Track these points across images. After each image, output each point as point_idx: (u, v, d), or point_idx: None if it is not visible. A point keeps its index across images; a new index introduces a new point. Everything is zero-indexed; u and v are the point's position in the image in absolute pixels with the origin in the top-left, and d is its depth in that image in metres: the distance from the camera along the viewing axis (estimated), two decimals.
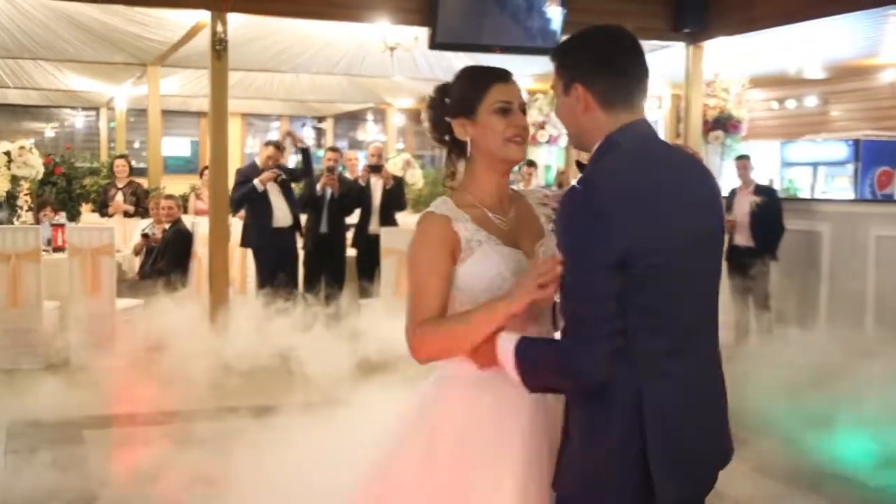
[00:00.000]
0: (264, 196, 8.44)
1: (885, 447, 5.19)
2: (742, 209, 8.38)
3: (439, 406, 2.27)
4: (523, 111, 2.30)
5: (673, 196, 2.01)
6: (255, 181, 8.31)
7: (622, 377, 1.94)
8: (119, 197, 10.07)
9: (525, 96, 2.22)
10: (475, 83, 2.30)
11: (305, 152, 8.83)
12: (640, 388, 1.94)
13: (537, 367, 2.02)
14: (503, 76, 2.31)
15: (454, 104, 2.31)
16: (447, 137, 2.35)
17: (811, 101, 14.06)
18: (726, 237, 8.32)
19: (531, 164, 12.77)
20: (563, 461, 2.05)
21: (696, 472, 2.05)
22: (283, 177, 8.48)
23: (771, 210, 8.30)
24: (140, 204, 10.00)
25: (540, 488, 2.14)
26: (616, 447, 1.95)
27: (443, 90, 2.37)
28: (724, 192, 8.98)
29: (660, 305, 1.97)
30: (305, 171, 8.82)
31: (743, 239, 8.38)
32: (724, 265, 8.43)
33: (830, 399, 5.47)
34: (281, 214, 8.46)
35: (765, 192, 8.58)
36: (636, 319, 1.94)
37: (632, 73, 2.08)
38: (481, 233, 2.25)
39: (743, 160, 8.61)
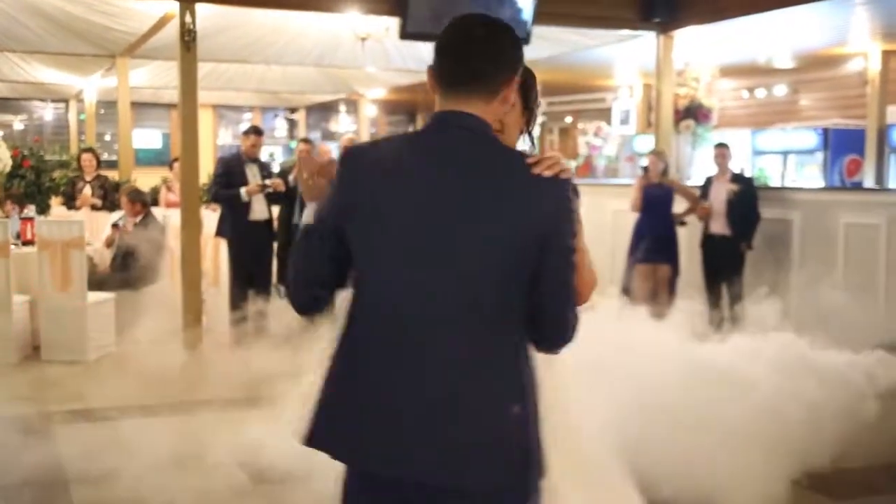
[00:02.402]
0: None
1: None
2: (718, 197, 8.42)
3: None
4: None
5: (410, 186, 1.98)
6: (242, 192, 8.15)
7: (339, 332, 2.06)
8: (87, 190, 9.97)
9: None
10: None
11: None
12: (340, 354, 2.05)
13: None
14: None
15: None
16: None
17: (781, 91, 14.19)
18: (701, 225, 8.49)
19: None
20: None
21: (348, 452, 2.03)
22: (269, 190, 8.31)
23: (747, 198, 8.35)
24: (108, 197, 9.91)
25: None
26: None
27: None
28: (699, 181, 9.05)
29: (372, 292, 2.02)
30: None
31: (719, 227, 8.43)
32: (699, 253, 8.56)
33: None
34: (258, 208, 8.40)
35: (741, 180, 8.63)
36: (356, 292, 2.05)
37: (457, 62, 2.03)
38: None
39: (721, 148, 8.65)
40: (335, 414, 2.04)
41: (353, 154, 2.09)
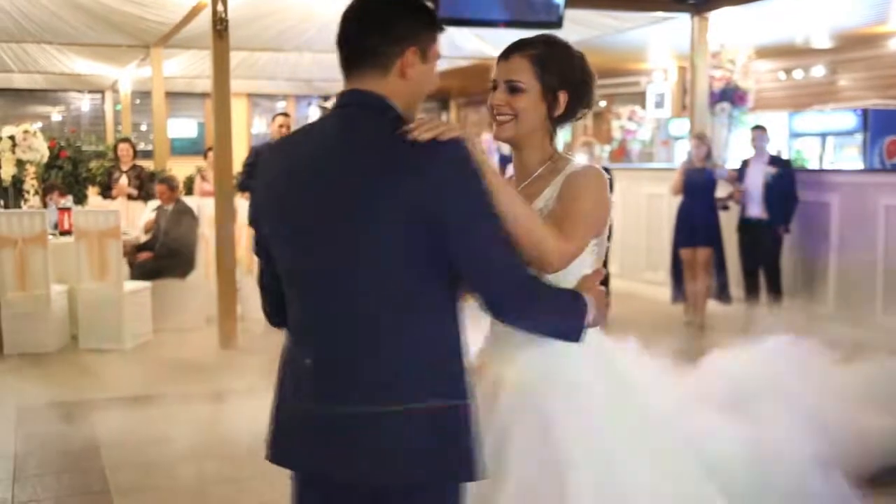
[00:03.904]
0: None
1: None
2: (756, 180, 8.29)
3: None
4: (512, 89, 2.24)
5: (297, 176, 1.96)
6: None
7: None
8: (123, 180, 10.05)
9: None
10: None
11: None
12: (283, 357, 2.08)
13: None
14: (502, 54, 2.30)
15: None
16: None
17: (818, 71, 13.96)
18: (737, 208, 8.40)
19: None
20: None
21: (283, 454, 2.03)
22: None
23: (785, 181, 8.23)
24: (144, 187, 9.98)
25: None
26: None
27: None
28: (736, 164, 8.93)
29: (286, 284, 2.04)
30: None
31: (756, 210, 8.31)
32: (735, 237, 8.46)
33: None
34: None
35: (779, 162, 8.51)
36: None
37: (343, 40, 2.00)
38: None
39: (758, 131, 8.51)
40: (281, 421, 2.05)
41: (257, 162, 2.14)
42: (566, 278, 2.16)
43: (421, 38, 1.98)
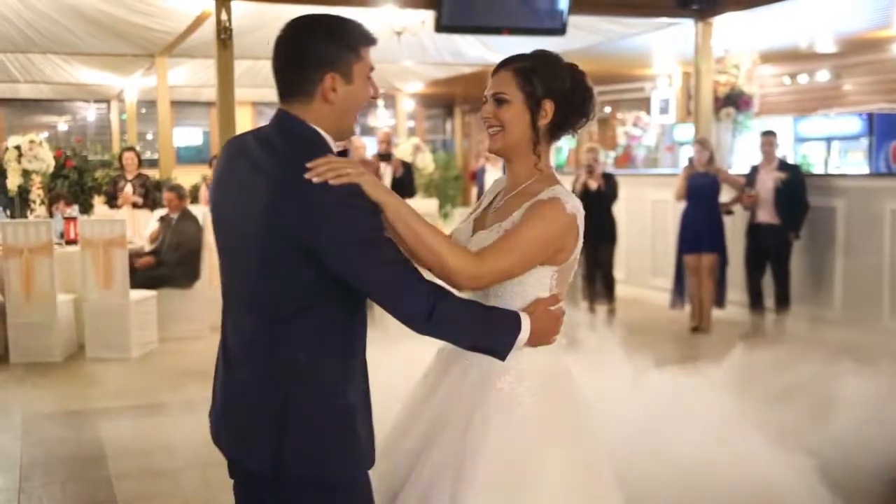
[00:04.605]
0: None
1: None
2: (766, 186, 8.25)
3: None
4: (498, 100, 2.30)
5: (228, 187, 2.11)
6: None
7: None
8: (128, 188, 10.07)
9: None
10: None
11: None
12: None
13: None
14: (493, 71, 2.36)
15: None
16: None
17: (823, 76, 13.95)
18: (747, 213, 8.36)
19: None
20: None
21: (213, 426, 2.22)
22: None
23: (795, 186, 8.20)
24: (149, 195, 9.99)
25: None
26: None
27: None
28: (741, 170, 8.91)
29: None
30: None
31: (767, 216, 8.25)
32: (744, 242, 8.42)
33: None
34: None
35: (788, 168, 8.47)
36: None
37: (272, 70, 2.07)
38: (475, 213, 2.46)
39: (768, 136, 8.46)
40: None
41: (214, 174, 2.24)
42: (524, 295, 2.23)
43: (340, 62, 2.02)
